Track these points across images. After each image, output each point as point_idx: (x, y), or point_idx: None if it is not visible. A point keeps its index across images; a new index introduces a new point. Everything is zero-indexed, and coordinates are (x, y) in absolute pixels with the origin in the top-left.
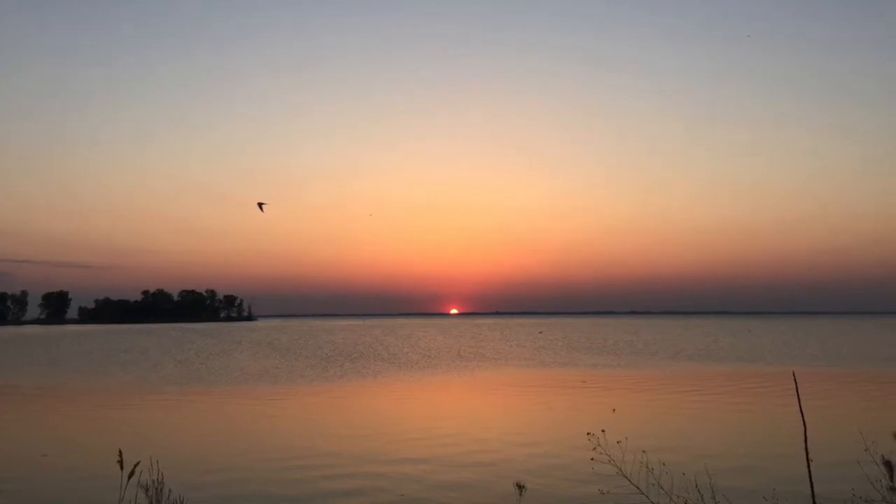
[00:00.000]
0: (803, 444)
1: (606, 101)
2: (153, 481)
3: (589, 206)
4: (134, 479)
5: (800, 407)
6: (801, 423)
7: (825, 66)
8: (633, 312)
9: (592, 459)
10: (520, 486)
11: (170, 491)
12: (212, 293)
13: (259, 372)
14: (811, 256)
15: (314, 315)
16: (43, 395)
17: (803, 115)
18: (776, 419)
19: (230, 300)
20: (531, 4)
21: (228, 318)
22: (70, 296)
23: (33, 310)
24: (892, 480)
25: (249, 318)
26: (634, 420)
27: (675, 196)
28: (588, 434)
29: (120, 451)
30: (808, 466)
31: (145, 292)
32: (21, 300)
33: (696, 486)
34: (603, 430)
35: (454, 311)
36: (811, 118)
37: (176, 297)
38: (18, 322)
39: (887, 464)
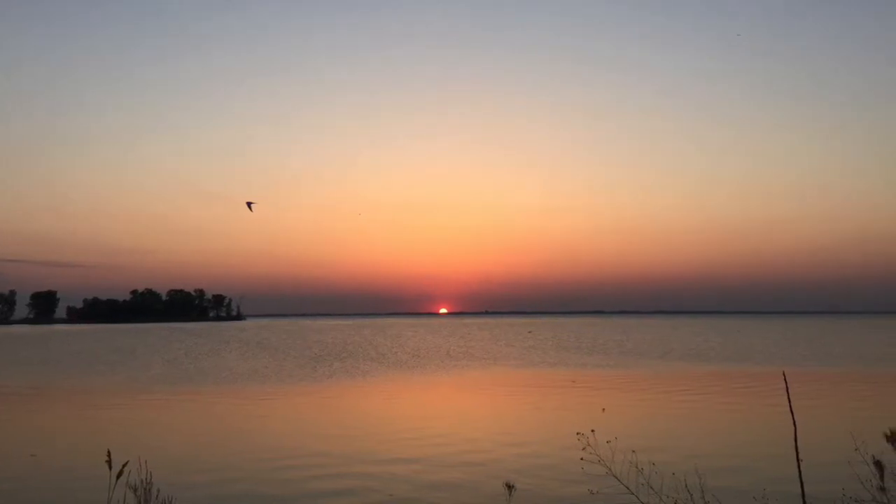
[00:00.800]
0: (793, 444)
1: (597, 100)
2: (142, 481)
3: (579, 205)
4: (123, 479)
5: (790, 407)
6: (792, 422)
7: (814, 66)
8: (622, 312)
9: (582, 459)
10: (509, 487)
11: (158, 491)
12: (200, 293)
13: (248, 371)
14: (800, 256)
15: (303, 315)
16: (32, 394)
17: (792, 114)
18: (766, 419)
19: (219, 300)
20: (526, 3)
21: (217, 318)
22: (58, 295)
23: (21, 309)
24: (882, 480)
25: (238, 317)
26: (624, 420)
27: (666, 196)
28: (577, 434)
29: (108, 451)
30: (799, 466)
31: (134, 292)
32: (9, 300)
33: (686, 486)
34: (592, 430)
35: (444, 310)
36: (799, 118)
37: (164, 297)
38: (6, 321)
39: (877, 464)
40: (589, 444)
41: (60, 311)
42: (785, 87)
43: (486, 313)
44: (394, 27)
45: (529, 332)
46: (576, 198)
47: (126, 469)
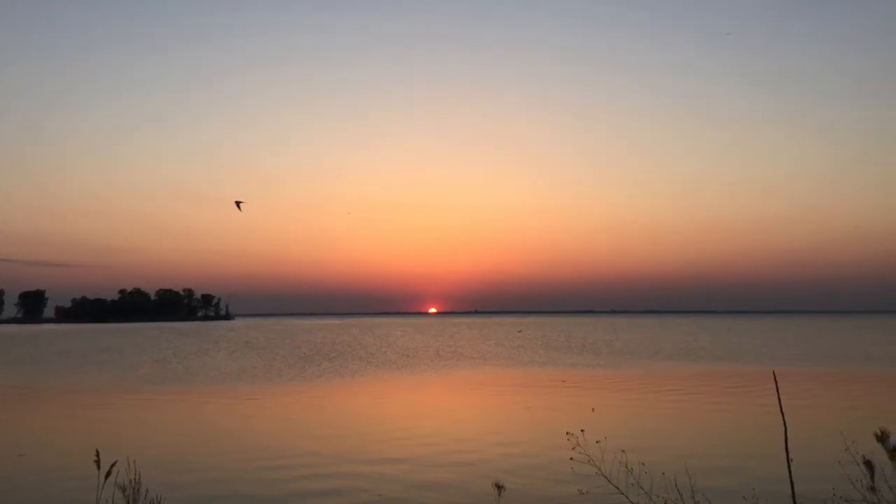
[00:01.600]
0: (783, 444)
1: (588, 99)
2: (130, 481)
3: (569, 204)
4: (111, 478)
5: (780, 406)
6: (782, 422)
7: (806, 64)
8: (612, 311)
9: (571, 459)
10: (499, 486)
11: (147, 491)
12: (189, 292)
13: (237, 371)
14: (790, 255)
15: (292, 314)
16: (20, 394)
17: (781, 113)
18: (756, 419)
19: (208, 299)
20: (519, 3)
21: (206, 318)
22: (47, 295)
23: (10, 309)
24: (872, 480)
25: (227, 317)
26: (614, 419)
27: (656, 195)
28: (567, 434)
29: (97, 451)
30: (789, 466)
31: (122, 291)
32: None
33: (676, 486)
34: (582, 430)
35: (433, 309)
36: (791, 117)
37: (153, 297)
38: None
39: (868, 463)
40: (578, 444)
41: (49, 311)
42: (776, 85)
43: (476, 313)
44: (385, 27)
45: (519, 331)
46: (566, 197)
47: (114, 469)
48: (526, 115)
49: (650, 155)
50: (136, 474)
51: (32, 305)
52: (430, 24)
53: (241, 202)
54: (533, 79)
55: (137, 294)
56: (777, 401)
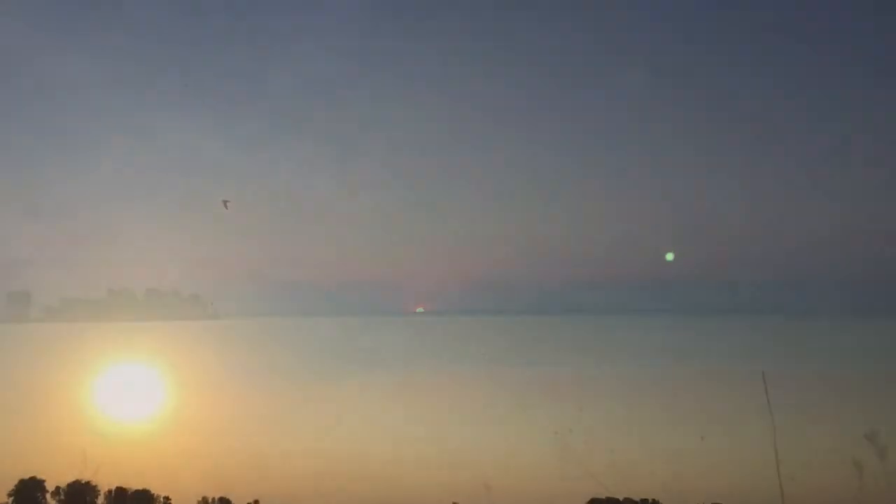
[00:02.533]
0: (772, 444)
1: (578, 96)
2: (117, 481)
3: (560, 204)
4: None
5: (769, 407)
6: (771, 423)
7: (786, 65)
8: (603, 312)
9: (560, 459)
10: (487, 486)
11: (131, 490)
12: (177, 292)
13: (226, 371)
14: (780, 255)
15: (280, 314)
16: (9, 395)
17: (771, 111)
18: (746, 419)
19: (195, 299)
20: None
21: (193, 318)
22: (35, 295)
23: None
24: (861, 480)
25: (214, 317)
26: (602, 419)
27: (650, 194)
28: (555, 433)
29: (83, 452)
30: (778, 467)
31: (110, 291)
32: None
33: (665, 485)
34: (570, 430)
35: (420, 309)
36: (777, 115)
37: (141, 297)
38: None
39: (857, 464)
40: (567, 444)
41: (37, 311)
42: (751, 85)
43: (465, 312)
44: (384, 27)
45: (510, 331)
46: (557, 196)
47: (101, 469)
48: (516, 112)
49: (643, 154)
50: (122, 475)
51: (20, 305)
52: (439, 24)
53: (227, 201)
54: (521, 76)
55: (126, 294)
56: (766, 401)
